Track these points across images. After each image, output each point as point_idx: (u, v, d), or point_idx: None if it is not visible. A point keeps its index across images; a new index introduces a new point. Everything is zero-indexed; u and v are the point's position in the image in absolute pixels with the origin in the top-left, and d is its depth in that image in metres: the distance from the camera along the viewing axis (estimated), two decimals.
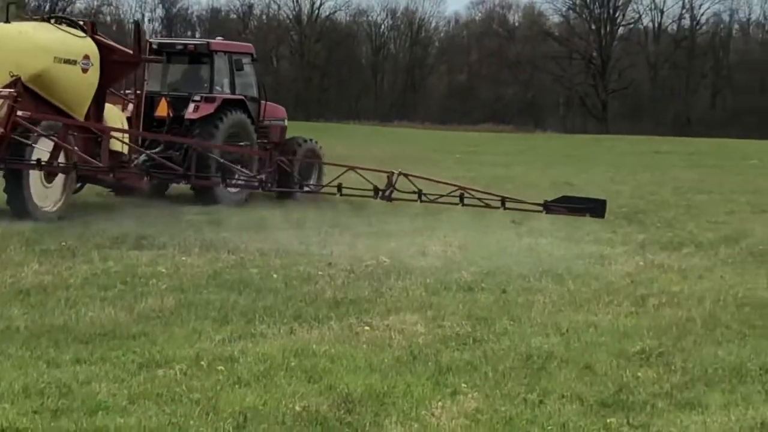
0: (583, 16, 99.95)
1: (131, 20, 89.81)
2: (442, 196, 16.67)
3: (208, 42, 23.29)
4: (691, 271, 14.62)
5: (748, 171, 39.18)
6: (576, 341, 10.07)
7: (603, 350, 9.71)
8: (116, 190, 21.32)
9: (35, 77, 18.14)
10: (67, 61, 18.55)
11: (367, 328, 10.29)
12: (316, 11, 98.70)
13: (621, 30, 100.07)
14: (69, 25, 19.29)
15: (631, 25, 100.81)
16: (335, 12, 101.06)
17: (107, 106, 19.80)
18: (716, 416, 7.88)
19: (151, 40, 22.95)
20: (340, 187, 16.84)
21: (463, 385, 8.40)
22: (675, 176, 34.75)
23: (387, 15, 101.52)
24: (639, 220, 20.69)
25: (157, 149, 20.66)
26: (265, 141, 23.07)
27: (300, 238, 16.51)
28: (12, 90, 17.54)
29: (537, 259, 15.05)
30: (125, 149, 19.52)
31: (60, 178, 18.32)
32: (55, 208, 18.23)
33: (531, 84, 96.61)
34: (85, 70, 18.83)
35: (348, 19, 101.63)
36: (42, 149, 17.55)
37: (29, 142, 17.61)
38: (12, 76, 17.71)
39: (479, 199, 16.72)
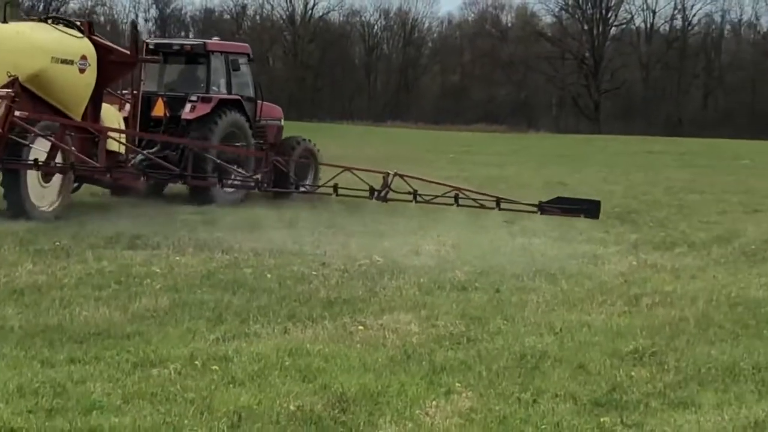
0: (576, 16, 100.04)
1: (125, 20, 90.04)
2: (437, 196, 16.70)
3: (204, 42, 23.30)
4: (684, 271, 14.65)
5: (740, 171, 39.24)
6: (569, 341, 10.09)
7: (596, 350, 9.73)
8: (113, 189, 21.33)
9: (33, 77, 18.17)
10: (65, 62, 18.58)
11: (361, 327, 10.30)
12: (310, 11, 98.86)
13: (613, 30, 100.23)
14: (66, 26, 19.31)
15: (624, 26, 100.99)
16: (328, 12, 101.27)
17: (104, 106, 19.83)
18: (709, 415, 7.91)
19: (147, 40, 22.97)
20: (336, 188, 16.86)
21: (457, 384, 8.42)
22: (667, 176, 34.79)
23: (380, 15, 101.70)
24: (632, 220, 20.72)
25: (154, 149, 20.68)
26: (262, 141, 23.08)
27: (294, 237, 16.51)
28: (9, 90, 17.57)
29: (530, 259, 15.07)
30: (122, 149, 19.54)
31: (57, 177, 18.35)
32: (52, 208, 18.27)
33: (524, 84, 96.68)
34: (82, 71, 18.85)
35: (341, 19, 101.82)
36: (39, 149, 17.57)
37: (26, 143, 17.62)
38: (9, 77, 17.73)
39: (474, 199, 16.76)
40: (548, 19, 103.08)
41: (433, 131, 74.30)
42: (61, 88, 18.55)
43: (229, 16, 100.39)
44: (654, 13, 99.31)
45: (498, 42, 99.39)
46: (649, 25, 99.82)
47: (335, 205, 19.69)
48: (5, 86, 17.64)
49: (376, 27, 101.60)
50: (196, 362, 8.72)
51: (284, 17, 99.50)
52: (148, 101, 21.72)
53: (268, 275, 13.00)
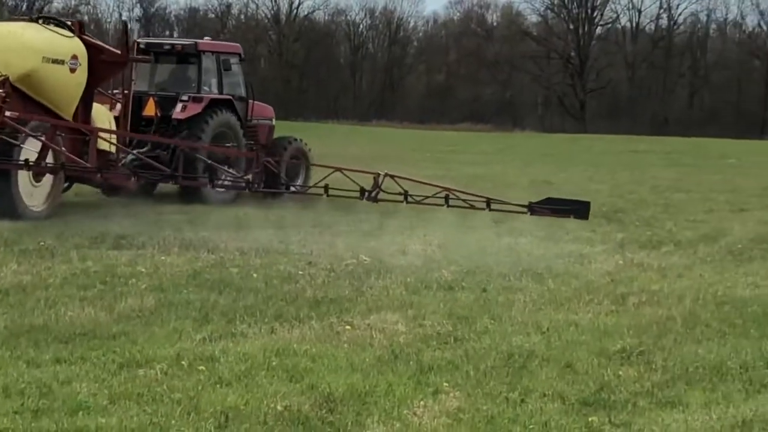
0: (561, 15, 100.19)
1: (109, 19, 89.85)
2: (427, 197, 16.71)
3: (195, 42, 23.31)
4: (671, 270, 14.66)
5: (726, 170, 39.31)
6: (557, 340, 10.08)
7: (584, 349, 9.72)
8: (104, 189, 21.32)
9: (23, 77, 18.16)
10: (55, 61, 18.56)
11: (348, 327, 10.28)
12: (295, 11, 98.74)
13: (599, 30, 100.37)
14: (57, 25, 19.30)
15: (609, 25, 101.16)
16: (314, 11, 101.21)
17: (95, 105, 19.82)
18: (697, 414, 7.90)
19: (138, 40, 22.94)
20: (326, 188, 16.86)
21: (444, 384, 8.40)
22: (653, 175, 34.84)
23: (365, 14, 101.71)
24: (618, 219, 20.73)
25: (145, 149, 20.66)
26: (253, 141, 23.07)
27: (280, 237, 16.49)
28: (0, 90, 17.54)
29: (517, 258, 15.06)
30: (113, 149, 19.52)
31: (48, 177, 18.38)
32: (43, 207, 18.27)
33: (509, 83, 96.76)
34: (73, 70, 18.83)
35: (326, 18, 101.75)
36: (30, 149, 17.54)
37: (17, 143, 17.59)
38: (0, 77, 17.71)
39: (464, 200, 16.77)
40: (534, 18, 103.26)
41: (419, 130, 74.35)
42: (52, 87, 18.54)
43: (213, 15, 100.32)
44: (639, 12, 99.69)
45: (483, 41, 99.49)
46: (634, 25, 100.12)
47: (321, 204, 19.65)
48: None
49: (361, 26, 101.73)
50: (183, 362, 8.69)
51: (269, 16, 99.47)
52: (139, 101, 21.71)
53: (255, 275, 12.97)
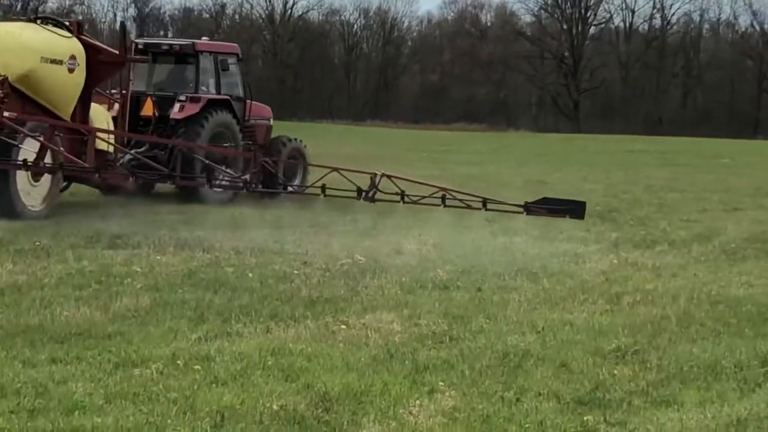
0: (555, 15, 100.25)
1: (103, 19, 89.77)
2: (424, 197, 16.73)
3: (193, 42, 23.35)
4: (665, 269, 14.69)
5: (719, 170, 39.38)
6: (552, 339, 10.09)
7: (579, 348, 9.74)
8: (102, 188, 21.36)
9: (22, 77, 18.19)
10: (54, 61, 18.59)
11: (343, 326, 10.28)
12: (289, 11, 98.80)
13: (592, 30, 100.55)
14: (55, 26, 19.34)
15: (603, 25, 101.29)
16: (308, 11, 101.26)
17: (93, 105, 19.86)
18: (692, 413, 7.92)
19: (136, 40, 22.95)
20: (323, 188, 16.88)
21: (440, 383, 8.41)
22: (647, 175, 34.88)
23: (360, 14, 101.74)
24: (612, 219, 20.76)
25: (143, 149, 20.70)
26: (251, 141, 23.10)
27: (275, 236, 16.50)
28: None
29: (512, 258, 15.08)
30: (111, 149, 19.55)
31: (47, 177, 18.43)
32: (42, 207, 18.32)
33: (503, 83, 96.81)
34: (71, 70, 18.87)
35: (321, 18, 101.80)
36: (28, 149, 17.57)
37: (16, 143, 17.62)
38: None
39: (461, 200, 16.79)
40: (527, 18, 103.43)
41: (413, 130, 74.37)
42: (50, 87, 18.58)
43: (208, 15, 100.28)
44: (633, 12, 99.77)
45: (477, 41, 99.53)
46: (628, 25, 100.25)
47: (316, 204, 19.67)
48: None
49: (355, 26, 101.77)
50: (178, 362, 8.69)
51: (263, 16, 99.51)
52: (137, 101, 21.75)
53: (250, 274, 12.97)
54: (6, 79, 17.80)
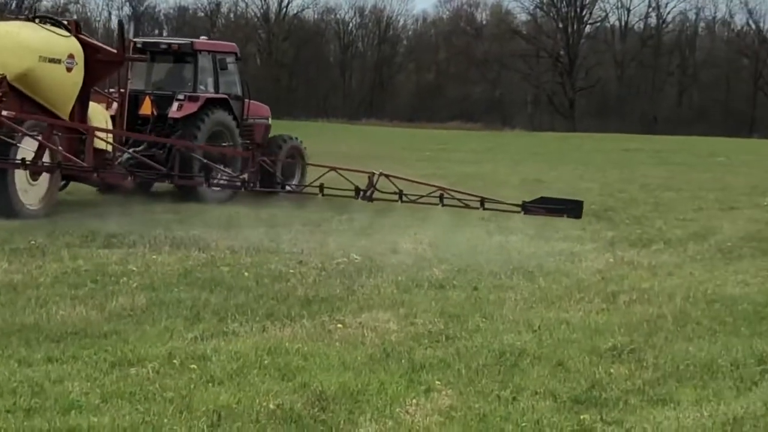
0: (551, 14, 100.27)
1: (98, 18, 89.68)
2: (422, 196, 16.74)
3: (192, 41, 23.39)
4: (661, 268, 14.69)
5: (715, 168, 39.39)
6: (548, 338, 10.10)
7: (575, 347, 9.75)
8: (100, 187, 21.36)
9: (20, 76, 18.22)
10: (52, 60, 18.62)
11: (339, 325, 10.28)
12: (284, 9, 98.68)
13: (588, 28, 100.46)
14: (53, 25, 19.36)
15: (598, 24, 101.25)
16: (303, 10, 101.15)
17: (92, 104, 19.88)
18: (688, 412, 7.93)
19: (135, 39, 22.97)
20: (322, 188, 16.87)
21: (436, 382, 8.42)
22: (643, 174, 34.89)
23: (355, 13, 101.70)
24: (608, 218, 20.76)
25: (141, 148, 20.71)
26: (249, 140, 23.12)
27: (270, 236, 16.48)
28: None
29: (507, 257, 15.08)
30: (109, 147, 19.56)
31: (45, 176, 18.46)
32: (40, 206, 18.34)
33: (498, 82, 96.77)
34: (69, 69, 18.90)
35: (316, 17, 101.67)
36: (27, 148, 17.57)
37: (14, 142, 17.62)
38: None
39: (459, 199, 16.80)
40: (523, 16, 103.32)
41: (409, 129, 74.36)
42: (48, 86, 18.61)
43: (203, 14, 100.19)
44: (628, 11, 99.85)
45: (473, 40, 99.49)
46: (623, 23, 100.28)
47: (312, 202, 19.70)
48: None
49: (350, 25, 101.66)
50: (175, 361, 8.69)
51: (258, 15, 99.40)
52: (136, 100, 21.78)
53: (246, 273, 12.97)
54: (4, 78, 17.84)
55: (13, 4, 75.50)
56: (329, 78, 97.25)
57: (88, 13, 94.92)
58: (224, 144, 22.23)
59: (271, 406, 7.63)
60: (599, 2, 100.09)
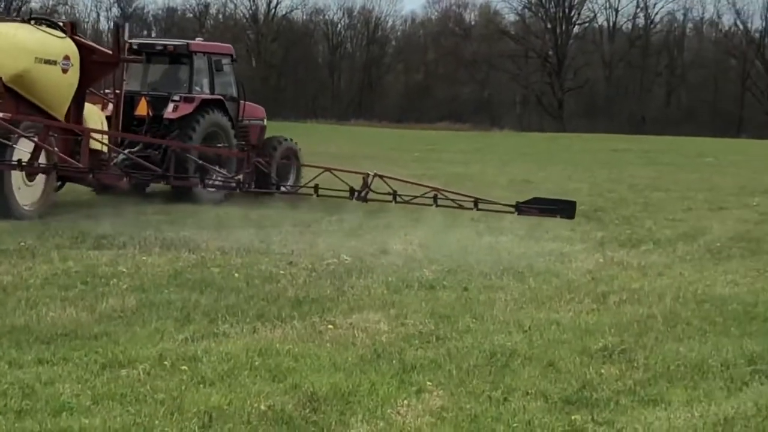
0: (539, 14, 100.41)
1: (87, 19, 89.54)
2: (416, 197, 16.74)
3: (187, 43, 23.43)
4: (651, 268, 14.71)
5: (703, 168, 39.46)
6: (539, 338, 10.10)
7: (566, 347, 9.75)
8: (96, 188, 21.37)
9: (16, 77, 18.23)
10: (48, 62, 18.63)
11: (330, 326, 10.28)
12: (273, 10, 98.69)
13: (576, 29, 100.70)
14: (49, 26, 19.37)
15: (587, 24, 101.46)
16: (292, 11, 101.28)
17: (87, 105, 19.90)
18: (679, 412, 7.94)
19: (131, 40, 22.98)
20: (316, 188, 16.88)
21: (427, 383, 8.42)
22: (632, 174, 34.94)
23: (344, 14, 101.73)
24: (598, 218, 20.78)
25: (136, 149, 20.74)
26: (244, 142, 23.14)
27: (261, 236, 16.47)
28: None
29: (497, 257, 15.08)
30: (105, 148, 19.56)
31: (41, 177, 18.47)
32: (36, 207, 18.36)
33: (487, 83, 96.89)
34: (65, 71, 18.90)
35: (305, 18, 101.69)
36: (23, 149, 17.56)
37: (10, 143, 17.61)
38: None
39: (452, 200, 16.81)
40: (511, 17, 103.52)
41: (398, 130, 74.37)
42: (44, 88, 18.61)
43: (191, 15, 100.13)
44: (617, 11, 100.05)
45: (461, 40, 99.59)
46: (611, 24, 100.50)
47: (302, 203, 19.69)
48: None
49: (339, 25, 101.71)
50: (165, 362, 8.68)
51: (247, 16, 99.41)
52: (131, 101, 21.79)
53: (236, 274, 12.95)
54: (0, 79, 17.80)
55: (2, 6, 75.40)
56: (318, 79, 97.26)
57: (77, 14, 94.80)
58: (219, 145, 22.24)
59: (263, 407, 7.62)
60: (587, 3, 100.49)
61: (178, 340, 9.49)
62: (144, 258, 13.93)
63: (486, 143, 57.78)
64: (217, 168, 20.22)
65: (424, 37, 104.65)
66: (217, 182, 19.58)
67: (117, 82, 20.70)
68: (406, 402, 7.92)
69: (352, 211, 18.51)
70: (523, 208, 16.24)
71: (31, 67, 18.39)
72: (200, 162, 19.96)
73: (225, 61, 23.57)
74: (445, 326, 10.48)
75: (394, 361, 9.04)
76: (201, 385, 8.14)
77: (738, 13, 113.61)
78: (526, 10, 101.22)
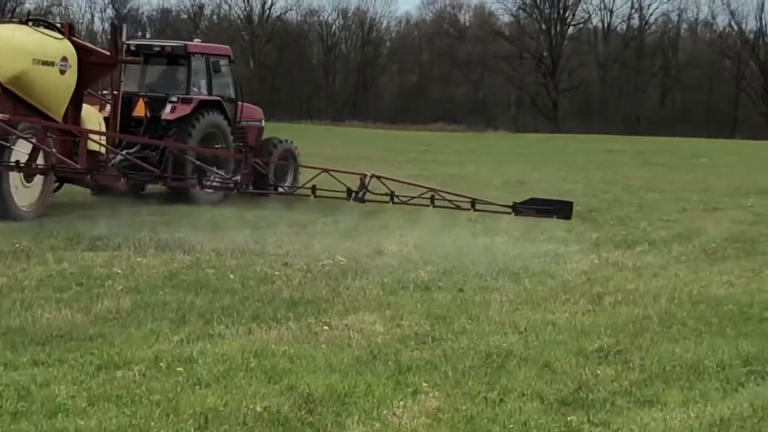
0: (534, 16, 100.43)
1: (81, 20, 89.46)
2: (413, 197, 16.74)
3: (185, 44, 23.48)
4: (646, 269, 14.72)
5: (698, 169, 39.48)
6: (534, 339, 10.10)
7: (561, 348, 9.75)
8: (94, 188, 21.37)
9: (14, 79, 18.23)
10: (46, 63, 18.63)
11: (325, 327, 10.27)
12: (267, 11, 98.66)
13: (571, 30, 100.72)
14: (47, 27, 19.36)
15: (581, 25, 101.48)
16: (286, 12, 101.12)
17: (85, 106, 19.91)
18: (675, 413, 7.94)
19: (129, 41, 23.00)
20: (314, 189, 16.88)
21: (423, 384, 8.41)
22: (626, 175, 34.95)
23: (338, 15, 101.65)
24: (593, 219, 20.78)
25: (134, 149, 20.74)
26: (242, 143, 23.15)
27: (256, 238, 16.47)
28: None
29: (493, 258, 15.08)
30: (103, 149, 19.56)
31: (39, 178, 18.49)
32: (34, 208, 18.38)
33: (482, 84, 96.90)
34: (62, 72, 18.90)
35: (299, 19, 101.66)
36: (21, 150, 17.56)
37: (8, 144, 17.60)
38: None
39: (450, 201, 16.81)
40: (506, 18, 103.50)
41: (392, 131, 74.37)
42: (42, 89, 18.61)
43: (186, 16, 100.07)
44: (611, 12, 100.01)
45: (456, 41, 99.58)
46: (606, 25, 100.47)
47: (298, 204, 19.69)
48: None
49: (334, 26, 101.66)
50: (161, 364, 8.67)
51: (242, 17, 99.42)
52: (129, 102, 21.79)
53: (231, 276, 12.94)
54: None
55: None
56: (312, 80, 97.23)
57: (71, 15, 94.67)
58: (217, 146, 22.24)
59: (258, 408, 7.61)
60: (582, 4, 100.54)
61: (174, 342, 9.48)
62: (139, 259, 13.92)
63: (481, 144, 57.80)
64: (214, 169, 20.21)
65: (418, 38, 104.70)
66: (214, 183, 19.58)
67: (115, 83, 20.69)
68: (402, 403, 7.92)
69: (348, 212, 18.51)
70: (520, 208, 16.24)
71: (29, 69, 18.39)
72: (198, 163, 19.95)
73: (223, 62, 23.60)
74: (441, 327, 10.48)
75: (389, 362, 9.04)
76: (196, 387, 8.13)
77: (732, 13, 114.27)
78: (521, 11, 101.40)
